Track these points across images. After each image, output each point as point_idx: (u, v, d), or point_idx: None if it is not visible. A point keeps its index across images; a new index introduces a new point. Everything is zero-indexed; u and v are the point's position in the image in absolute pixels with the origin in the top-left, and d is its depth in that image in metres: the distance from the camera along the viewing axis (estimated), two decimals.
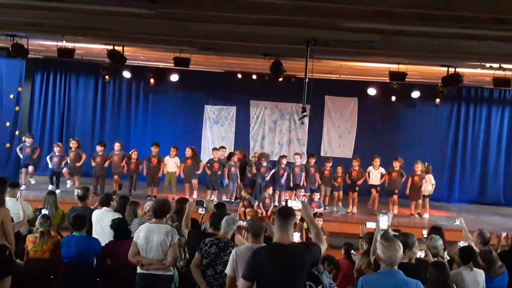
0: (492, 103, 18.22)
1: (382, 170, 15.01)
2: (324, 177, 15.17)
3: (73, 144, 15.26)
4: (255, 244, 5.31)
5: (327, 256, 7.83)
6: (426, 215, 14.79)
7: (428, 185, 14.77)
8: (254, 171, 14.90)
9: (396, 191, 14.77)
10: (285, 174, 14.97)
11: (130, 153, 15.29)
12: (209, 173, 15.06)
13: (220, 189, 15.42)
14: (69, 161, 15.08)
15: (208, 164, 15.17)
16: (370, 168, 15.09)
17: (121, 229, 7.41)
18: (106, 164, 15.05)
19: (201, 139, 18.78)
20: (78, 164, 15.10)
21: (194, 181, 15.14)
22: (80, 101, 19.06)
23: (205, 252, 6.18)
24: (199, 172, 15.20)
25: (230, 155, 15.42)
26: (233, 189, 15.27)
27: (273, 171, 15.07)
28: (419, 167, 14.65)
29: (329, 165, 15.29)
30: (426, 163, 15.04)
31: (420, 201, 14.81)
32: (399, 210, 14.86)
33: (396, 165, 14.74)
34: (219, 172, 15.04)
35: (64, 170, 15.22)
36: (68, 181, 15.30)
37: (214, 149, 15.79)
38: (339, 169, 15.23)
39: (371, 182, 15.07)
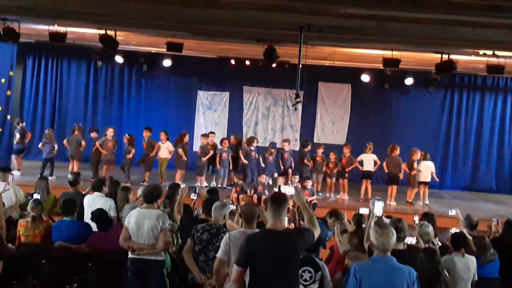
0: (485, 90, 18.24)
1: (374, 156, 14.84)
2: (316, 163, 15.16)
3: (79, 129, 15.33)
4: (248, 230, 5.31)
5: None
6: (426, 201, 14.73)
7: (428, 172, 14.73)
8: (244, 160, 14.90)
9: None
10: (273, 160, 15.03)
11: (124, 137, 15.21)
12: (203, 160, 15.00)
13: (209, 175, 15.42)
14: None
15: (204, 151, 15.12)
16: (363, 155, 14.92)
17: (103, 220, 7.40)
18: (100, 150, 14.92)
19: (194, 125, 18.71)
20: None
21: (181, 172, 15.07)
22: (72, 86, 18.97)
23: (197, 239, 6.18)
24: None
25: (222, 141, 15.38)
26: (224, 174, 15.25)
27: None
28: (418, 154, 14.61)
29: (320, 151, 15.24)
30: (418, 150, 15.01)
31: (420, 188, 14.80)
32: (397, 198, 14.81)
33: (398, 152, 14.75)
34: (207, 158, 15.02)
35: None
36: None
37: (203, 135, 15.73)
38: (332, 155, 15.19)
39: (365, 168, 14.87)
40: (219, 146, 15.34)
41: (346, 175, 14.97)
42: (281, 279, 4.68)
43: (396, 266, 4.80)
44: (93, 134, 15.17)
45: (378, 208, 6.44)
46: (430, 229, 7.26)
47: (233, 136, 16.37)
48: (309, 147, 15.42)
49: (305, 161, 15.16)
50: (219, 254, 5.35)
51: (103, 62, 18.16)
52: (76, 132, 15.19)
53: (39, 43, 16.89)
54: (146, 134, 15.12)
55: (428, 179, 14.81)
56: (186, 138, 15.14)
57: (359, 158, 14.92)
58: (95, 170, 14.92)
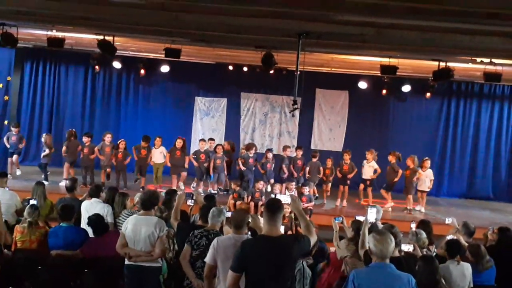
0: (482, 97, 18.22)
1: (374, 164, 14.75)
2: (311, 170, 15.13)
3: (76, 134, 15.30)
4: (237, 235, 5.34)
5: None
6: (422, 209, 14.70)
7: (427, 180, 14.67)
8: (242, 167, 14.89)
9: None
10: (272, 167, 15.02)
11: (118, 143, 15.04)
12: (196, 165, 15.00)
13: (207, 181, 15.39)
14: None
15: (195, 156, 15.12)
16: (373, 162, 14.76)
17: (98, 225, 7.38)
18: (93, 156, 14.79)
19: (191, 131, 18.68)
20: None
21: (183, 174, 15.06)
22: (69, 91, 18.89)
23: (195, 244, 6.17)
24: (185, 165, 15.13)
25: (216, 147, 15.34)
26: (218, 180, 15.21)
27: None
28: (413, 162, 14.57)
29: (315, 158, 15.21)
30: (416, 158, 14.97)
31: (418, 196, 14.79)
32: (396, 204, 14.79)
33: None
34: (206, 164, 14.99)
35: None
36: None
37: (201, 140, 15.74)
38: (329, 162, 15.15)
39: (363, 176, 14.82)
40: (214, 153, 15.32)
41: (348, 182, 14.92)
42: (276, 284, 4.68)
43: (395, 273, 4.79)
44: (86, 139, 15.03)
45: (371, 215, 6.47)
46: (423, 236, 7.28)
47: (227, 142, 16.40)
48: (298, 153, 15.39)
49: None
50: (207, 259, 5.37)
51: (101, 68, 18.09)
52: (72, 138, 15.11)
53: (37, 48, 16.87)
54: (143, 143, 15.00)
55: (426, 188, 14.81)
56: (178, 143, 15.00)
57: (375, 166, 14.76)
58: (92, 175, 14.84)
